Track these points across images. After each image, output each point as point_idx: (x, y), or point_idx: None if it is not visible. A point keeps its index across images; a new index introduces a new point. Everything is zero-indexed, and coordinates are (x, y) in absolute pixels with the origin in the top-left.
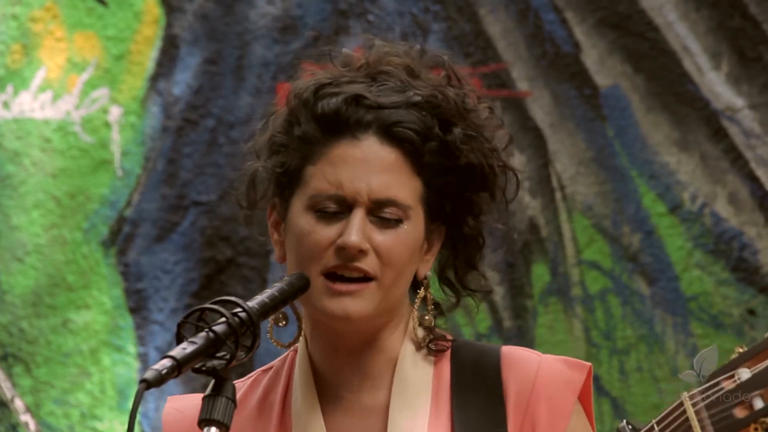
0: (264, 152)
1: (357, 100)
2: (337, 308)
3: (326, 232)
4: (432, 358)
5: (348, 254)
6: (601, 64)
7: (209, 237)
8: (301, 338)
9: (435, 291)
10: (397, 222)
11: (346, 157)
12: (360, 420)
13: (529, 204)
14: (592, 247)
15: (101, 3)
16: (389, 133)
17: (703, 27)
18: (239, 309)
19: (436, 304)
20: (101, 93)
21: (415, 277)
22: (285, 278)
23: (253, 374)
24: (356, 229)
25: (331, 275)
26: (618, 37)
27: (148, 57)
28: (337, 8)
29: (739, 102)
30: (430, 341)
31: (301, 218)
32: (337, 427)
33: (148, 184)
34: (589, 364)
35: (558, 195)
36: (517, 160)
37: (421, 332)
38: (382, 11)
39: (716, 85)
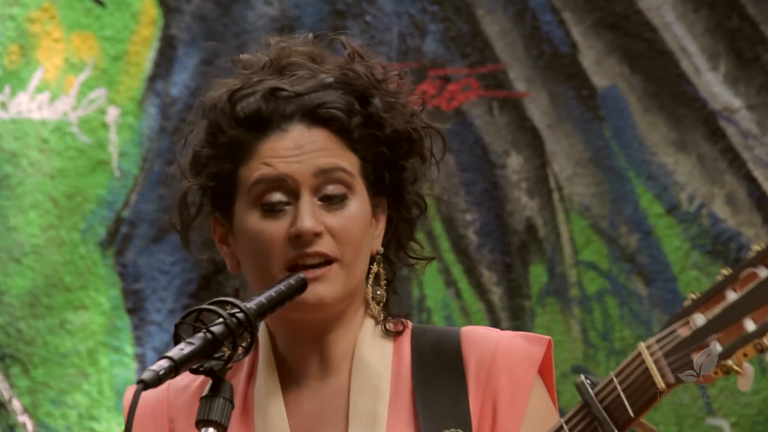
0: (191, 170)
1: (274, 93)
2: (310, 296)
3: (276, 226)
4: (391, 340)
5: (304, 241)
6: (599, 65)
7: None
8: (262, 328)
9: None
10: (343, 199)
11: (277, 149)
12: (322, 404)
13: (526, 205)
14: (590, 248)
15: (99, 4)
16: (314, 117)
17: (700, 27)
18: (237, 310)
19: (389, 281)
20: (99, 94)
21: None
22: (282, 280)
23: None
24: (307, 213)
25: (293, 267)
26: (615, 37)
27: (146, 58)
28: (335, 9)
29: (736, 102)
30: (385, 319)
31: (248, 220)
32: (299, 412)
33: (146, 184)
34: (548, 337)
35: (555, 195)
36: (515, 161)
37: (376, 309)
38: (379, 12)
39: (714, 85)
